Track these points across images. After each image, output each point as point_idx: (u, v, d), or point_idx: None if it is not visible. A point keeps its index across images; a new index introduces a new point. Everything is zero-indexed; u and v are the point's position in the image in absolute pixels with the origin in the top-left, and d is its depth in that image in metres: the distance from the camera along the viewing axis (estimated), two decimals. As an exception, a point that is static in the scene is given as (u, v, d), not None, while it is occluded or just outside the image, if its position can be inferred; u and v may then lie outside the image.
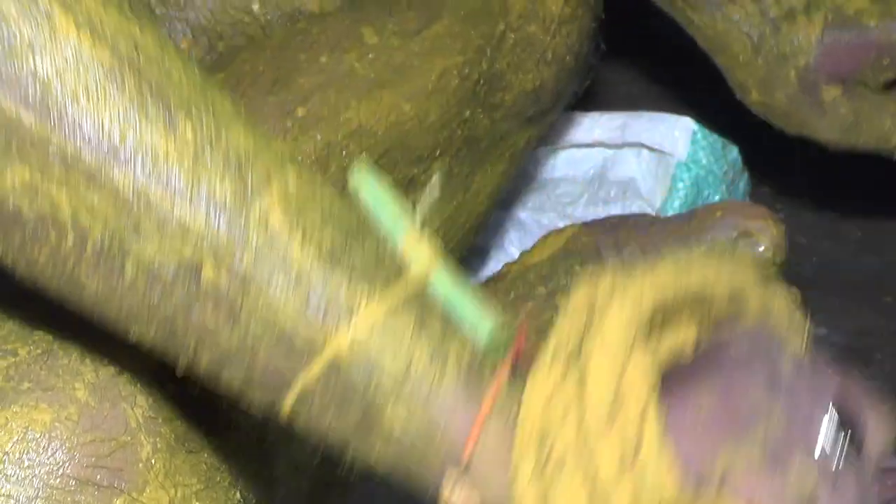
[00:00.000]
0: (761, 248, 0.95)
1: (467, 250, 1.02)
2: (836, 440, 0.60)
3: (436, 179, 0.77)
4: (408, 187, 0.92)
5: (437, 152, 0.94)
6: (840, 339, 1.18)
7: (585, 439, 0.59)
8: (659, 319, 0.61)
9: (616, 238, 1.02)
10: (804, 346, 0.65)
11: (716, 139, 1.12)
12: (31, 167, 0.61)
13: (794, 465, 0.59)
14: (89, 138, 0.60)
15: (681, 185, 1.13)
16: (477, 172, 0.98)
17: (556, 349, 0.60)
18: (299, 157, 0.69)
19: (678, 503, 0.58)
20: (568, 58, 0.99)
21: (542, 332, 0.91)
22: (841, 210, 1.27)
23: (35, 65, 0.59)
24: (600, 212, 1.11)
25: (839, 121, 1.06)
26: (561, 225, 1.05)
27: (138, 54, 0.61)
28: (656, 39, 1.23)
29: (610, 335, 0.60)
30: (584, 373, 0.59)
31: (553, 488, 0.59)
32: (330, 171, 0.89)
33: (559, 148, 1.18)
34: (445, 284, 0.61)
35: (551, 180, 1.19)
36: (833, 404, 0.61)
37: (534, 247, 1.01)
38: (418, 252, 0.61)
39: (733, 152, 1.13)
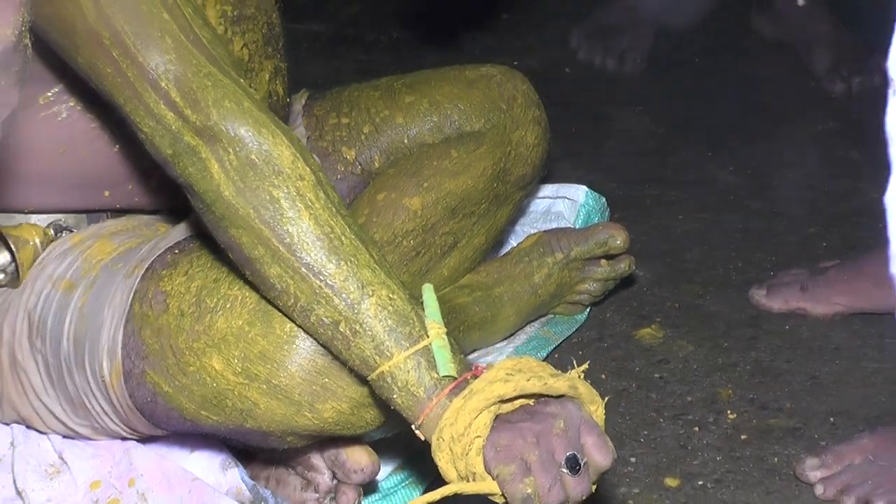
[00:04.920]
0: (618, 242, 1.38)
1: (496, 243, 1.38)
2: (574, 463, 0.82)
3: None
4: (470, 216, 1.26)
5: (482, 201, 1.28)
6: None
7: (451, 440, 0.81)
8: (505, 398, 0.82)
9: (557, 237, 1.39)
10: (598, 408, 0.86)
11: (596, 195, 1.51)
12: (280, 268, 0.87)
13: (552, 470, 0.82)
14: (306, 262, 0.86)
15: (581, 214, 1.49)
16: (498, 211, 1.32)
17: (459, 406, 0.82)
18: (391, 281, 0.85)
19: (481, 474, 0.82)
20: (537, 161, 1.33)
21: (528, 276, 1.31)
22: (647, 226, 1.66)
23: (288, 229, 0.86)
24: (549, 226, 1.48)
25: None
26: (532, 232, 1.44)
27: (332, 231, 0.85)
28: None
29: (473, 404, 0.81)
30: (460, 416, 0.82)
31: (440, 450, 0.83)
32: (437, 209, 1.22)
33: (533, 198, 1.54)
34: (437, 348, 0.84)
35: (528, 212, 1.55)
36: (574, 450, 0.82)
37: (521, 241, 1.43)
38: (431, 331, 0.85)
39: (602, 200, 1.53)
